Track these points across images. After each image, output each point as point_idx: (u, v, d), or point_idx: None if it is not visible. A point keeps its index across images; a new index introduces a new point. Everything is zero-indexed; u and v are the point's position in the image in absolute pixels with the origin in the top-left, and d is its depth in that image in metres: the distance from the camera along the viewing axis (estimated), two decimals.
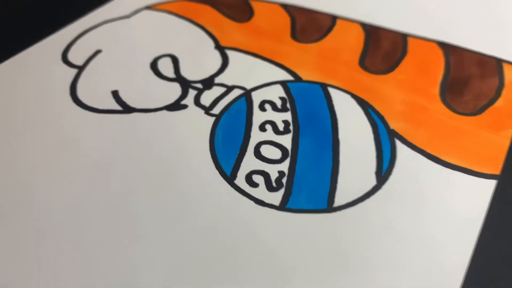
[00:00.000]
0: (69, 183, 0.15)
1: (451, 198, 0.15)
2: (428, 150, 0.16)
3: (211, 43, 0.21)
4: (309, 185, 0.15)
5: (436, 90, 0.19)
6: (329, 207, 0.14)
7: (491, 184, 0.15)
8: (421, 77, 0.19)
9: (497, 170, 0.16)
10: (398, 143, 0.16)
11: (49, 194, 0.15)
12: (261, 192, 0.15)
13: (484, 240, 0.15)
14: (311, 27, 0.22)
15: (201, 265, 0.13)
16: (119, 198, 0.15)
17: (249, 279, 0.13)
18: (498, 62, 0.20)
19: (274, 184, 0.15)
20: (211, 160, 0.16)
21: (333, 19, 0.22)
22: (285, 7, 0.23)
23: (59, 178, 0.15)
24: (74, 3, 0.24)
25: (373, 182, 0.15)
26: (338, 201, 0.15)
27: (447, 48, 0.21)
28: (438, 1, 0.24)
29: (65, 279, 0.13)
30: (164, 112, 0.18)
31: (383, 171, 0.15)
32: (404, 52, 0.21)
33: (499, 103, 0.18)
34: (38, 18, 0.24)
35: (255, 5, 0.23)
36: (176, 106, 0.18)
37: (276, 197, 0.15)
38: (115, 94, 0.18)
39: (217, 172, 0.16)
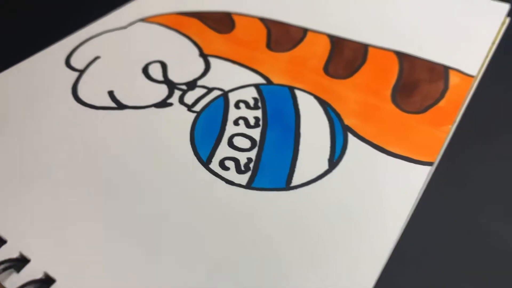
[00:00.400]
0: (69, 166, 0.18)
1: (391, 181, 0.18)
2: (376, 142, 0.19)
3: (196, 51, 0.24)
4: (271, 169, 0.18)
5: (388, 92, 0.22)
6: (286, 186, 0.17)
7: (426, 169, 0.18)
8: (376, 81, 0.22)
9: (433, 158, 0.19)
10: (350, 136, 0.19)
11: (53, 175, 0.18)
12: (231, 174, 0.18)
13: (416, 215, 0.18)
14: (284, 38, 0.25)
15: (179, 230, 0.16)
16: (112, 176, 0.17)
17: (215, 246, 0.15)
18: (446, 69, 0.23)
19: (242, 168, 0.18)
20: (190, 148, 0.19)
21: (304, 31, 0.26)
22: (263, 20, 0.26)
23: (61, 163, 0.18)
24: (77, 16, 0.27)
25: (325, 167, 0.18)
26: (295, 181, 0.17)
27: (402, 57, 0.24)
28: (397, 16, 0.27)
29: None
30: (153, 109, 0.21)
31: (335, 158, 0.18)
32: (364, 60, 0.24)
33: (442, 103, 0.21)
34: (46, 28, 0.28)
35: (237, 19, 0.27)
36: (163, 104, 0.21)
37: (243, 178, 0.18)
38: (110, 93, 0.21)
39: (195, 158, 0.18)
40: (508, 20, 0.28)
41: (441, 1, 0.28)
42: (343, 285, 0.14)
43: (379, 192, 0.17)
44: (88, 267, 0.15)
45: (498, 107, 0.23)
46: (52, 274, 0.14)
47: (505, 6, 0.28)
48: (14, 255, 0.15)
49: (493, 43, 0.26)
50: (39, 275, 0.14)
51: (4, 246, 0.15)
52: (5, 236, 0.15)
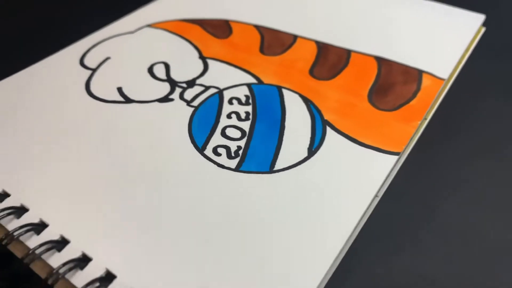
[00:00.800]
0: (80, 155, 0.21)
1: (361, 167, 0.20)
2: (350, 134, 0.22)
3: (196, 54, 0.27)
4: (258, 155, 0.21)
5: (365, 92, 0.24)
6: (270, 170, 0.20)
7: (394, 158, 0.21)
8: (355, 82, 0.25)
9: (400, 149, 0.21)
10: (328, 129, 0.22)
11: (68, 161, 0.20)
12: (222, 159, 0.20)
13: (384, 198, 0.20)
14: (276, 43, 0.28)
15: (177, 205, 0.18)
16: (119, 162, 0.20)
17: (206, 220, 0.18)
18: (419, 72, 0.26)
19: (232, 154, 0.21)
20: (188, 137, 0.21)
21: (294, 37, 0.28)
22: (257, 27, 0.29)
23: (74, 151, 0.21)
24: (91, 20, 0.30)
25: (305, 154, 0.21)
26: (277, 166, 0.20)
27: (381, 61, 0.26)
28: (379, 24, 0.29)
29: None
30: (156, 103, 0.23)
31: (313, 148, 0.21)
32: (346, 64, 0.26)
33: (413, 102, 0.24)
34: (64, 30, 0.31)
35: (234, 25, 0.29)
36: (165, 99, 0.24)
37: (233, 163, 0.20)
38: (119, 89, 0.24)
39: (192, 145, 0.21)
40: (483, 29, 0.31)
41: (421, 11, 0.31)
42: (314, 246, 0.17)
43: (349, 176, 0.20)
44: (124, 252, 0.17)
45: (467, 107, 0.26)
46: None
47: (481, 17, 0.31)
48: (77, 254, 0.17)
49: (467, 50, 0.29)
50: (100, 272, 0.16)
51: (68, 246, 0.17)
52: (68, 237, 0.17)
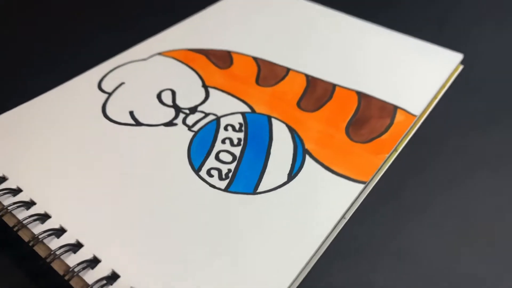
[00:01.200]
0: (94, 171, 0.25)
1: (330, 192, 0.24)
2: (325, 163, 0.25)
3: (199, 82, 0.31)
4: (244, 178, 0.24)
5: (344, 124, 0.28)
6: (254, 192, 0.24)
7: (360, 186, 0.24)
8: (336, 115, 0.28)
9: (367, 179, 0.25)
10: (307, 157, 0.26)
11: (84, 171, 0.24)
12: (214, 180, 0.24)
13: (350, 222, 0.24)
14: (270, 75, 0.31)
15: (175, 216, 0.22)
16: (129, 177, 0.24)
17: (199, 228, 0.22)
18: (395, 108, 0.29)
19: (223, 176, 0.24)
20: (187, 159, 0.25)
21: (287, 70, 0.32)
22: (255, 59, 0.33)
23: (90, 167, 0.25)
24: (107, 48, 0.34)
25: (285, 179, 0.24)
26: (260, 189, 0.24)
27: (361, 96, 0.30)
28: (363, 61, 0.33)
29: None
30: (162, 127, 0.27)
31: (293, 173, 0.25)
32: (330, 97, 0.30)
33: (384, 136, 0.27)
34: (83, 55, 0.35)
35: (235, 57, 0.33)
36: (170, 123, 0.27)
37: (223, 184, 0.24)
38: (131, 113, 0.28)
39: (189, 166, 0.25)
40: (461, 67, 0.34)
41: (401, 48, 0.34)
42: (286, 256, 0.20)
43: (321, 200, 0.23)
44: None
45: (435, 142, 0.29)
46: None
47: (459, 56, 0.34)
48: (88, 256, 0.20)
49: (443, 87, 0.32)
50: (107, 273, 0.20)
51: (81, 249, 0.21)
52: (82, 241, 0.21)
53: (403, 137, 0.28)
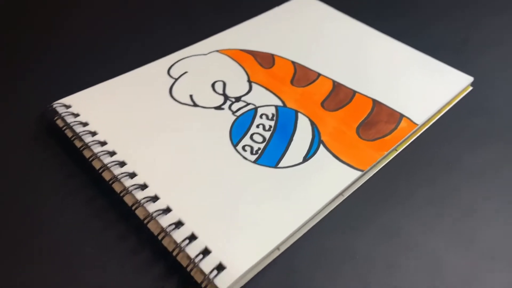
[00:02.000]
0: (164, 136, 0.33)
1: (334, 175, 0.31)
2: (335, 153, 0.32)
3: (245, 78, 0.38)
4: (270, 155, 0.32)
5: (355, 125, 0.35)
6: (275, 166, 0.31)
7: (358, 173, 0.31)
8: (351, 116, 0.35)
9: (365, 168, 0.31)
10: (321, 146, 0.33)
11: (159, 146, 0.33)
12: (247, 154, 0.32)
13: (345, 200, 0.31)
14: (303, 78, 0.39)
15: (213, 176, 0.30)
16: (184, 145, 0.32)
17: (228, 187, 0.30)
18: (401, 116, 0.36)
19: (254, 152, 0.32)
20: (228, 136, 0.33)
21: (318, 75, 0.39)
22: (293, 63, 0.40)
23: (157, 133, 0.33)
24: (177, 41, 0.42)
25: (300, 160, 0.32)
26: (281, 165, 0.31)
27: (375, 103, 0.37)
28: (382, 73, 0.39)
29: None
30: (212, 109, 0.35)
31: (307, 157, 0.32)
32: (349, 102, 0.37)
33: (387, 138, 0.34)
34: (157, 47, 0.43)
35: (277, 59, 0.41)
36: (219, 107, 0.35)
37: (253, 158, 0.32)
38: (190, 96, 0.36)
39: (229, 142, 0.33)
40: (470, 88, 0.40)
41: (418, 66, 0.40)
42: (285, 215, 0.28)
43: (324, 178, 0.30)
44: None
45: (430, 151, 0.35)
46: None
47: (469, 78, 0.39)
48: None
49: (449, 104, 0.38)
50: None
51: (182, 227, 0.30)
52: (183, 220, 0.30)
53: (403, 140, 0.34)
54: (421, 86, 0.38)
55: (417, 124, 0.35)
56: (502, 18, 0.50)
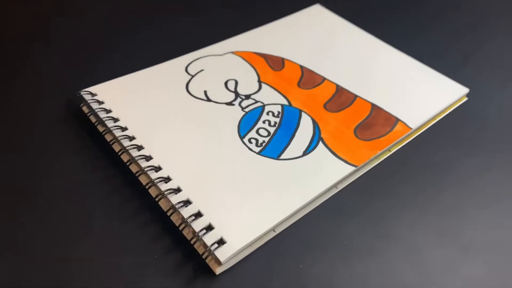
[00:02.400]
0: (181, 130, 0.36)
1: (329, 168, 0.34)
2: (333, 149, 0.35)
3: (256, 78, 0.42)
4: (273, 148, 0.35)
5: (354, 125, 0.38)
6: (277, 158, 0.34)
7: (352, 168, 0.34)
8: (350, 118, 0.38)
9: (359, 164, 0.34)
10: (320, 143, 0.36)
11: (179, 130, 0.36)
12: (252, 146, 0.35)
13: (338, 192, 0.34)
14: (309, 81, 0.42)
15: (221, 163, 0.34)
16: (198, 135, 0.36)
17: (233, 174, 0.33)
18: (397, 120, 0.38)
19: (259, 144, 0.35)
20: (236, 129, 0.36)
21: (323, 79, 0.42)
22: (301, 67, 0.43)
23: (179, 125, 0.37)
24: (196, 41, 0.46)
25: (300, 154, 0.35)
26: (282, 157, 0.34)
27: (374, 107, 0.40)
28: (382, 79, 0.42)
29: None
30: (224, 105, 0.39)
31: (307, 152, 0.35)
32: (350, 104, 0.40)
33: (382, 139, 0.37)
34: (176, 45, 0.47)
35: (287, 63, 0.44)
36: (230, 103, 0.39)
37: (257, 149, 0.35)
38: (205, 92, 0.40)
39: (237, 134, 0.36)
40: (465, 99, 0.43)
41: (418, 75, 0.43)
42: (284, 200, 0.31)
43: (320, 171, 0.33)
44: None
45: (421, 154, 0.38)
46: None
47: (464, 89, 0.42)
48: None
49: (443, 112, 0.41)
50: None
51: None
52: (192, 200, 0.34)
53: (397, 142, 0.37)
54: (419, 94, 0.41)
55: (411, 128, 0.38)
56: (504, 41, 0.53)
